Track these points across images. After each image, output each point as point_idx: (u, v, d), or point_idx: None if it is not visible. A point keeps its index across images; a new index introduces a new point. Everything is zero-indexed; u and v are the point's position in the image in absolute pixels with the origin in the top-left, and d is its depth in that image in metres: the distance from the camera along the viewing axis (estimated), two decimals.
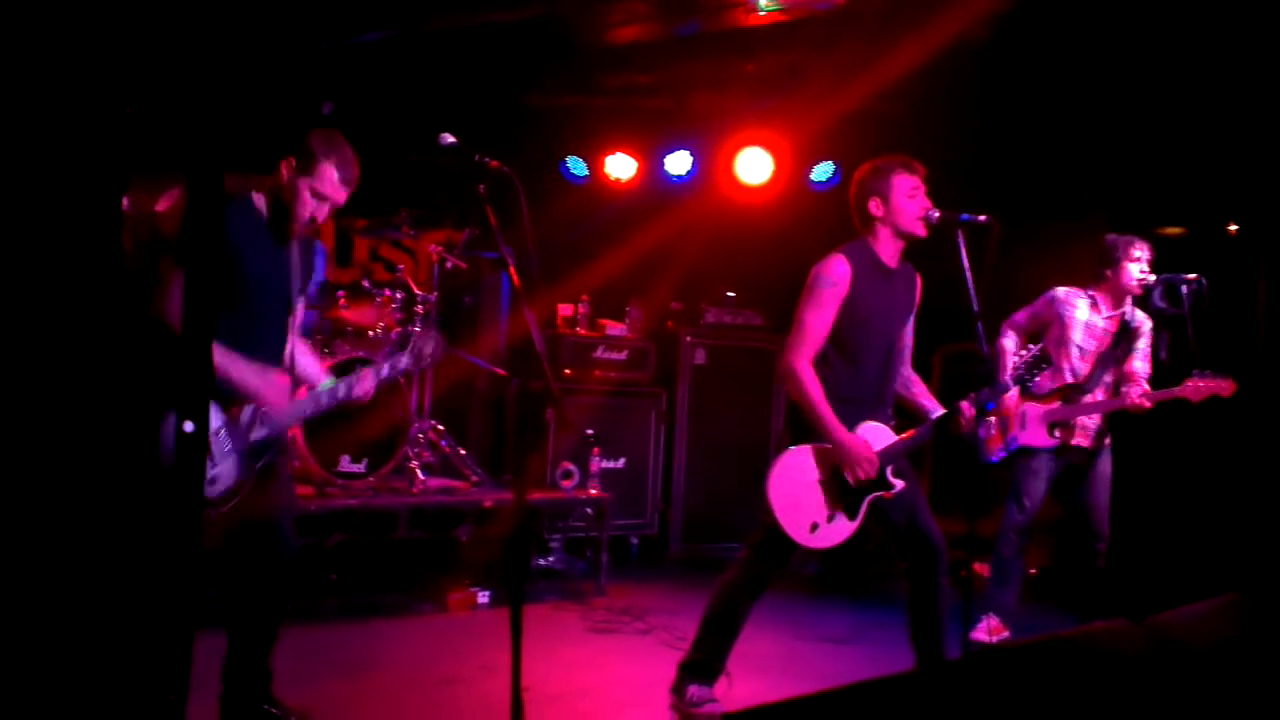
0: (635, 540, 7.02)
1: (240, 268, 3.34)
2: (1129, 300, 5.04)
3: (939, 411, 3.93)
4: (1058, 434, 5.02)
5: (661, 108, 7.38)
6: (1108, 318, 5.04)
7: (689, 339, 7.16)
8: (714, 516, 7.06)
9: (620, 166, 7.54)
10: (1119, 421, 5.09)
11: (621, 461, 6.76)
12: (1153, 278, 4.95)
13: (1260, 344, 5.87)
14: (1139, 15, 5.31)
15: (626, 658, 4.94)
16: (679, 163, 7.57)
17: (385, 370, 3.69)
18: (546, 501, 6.11)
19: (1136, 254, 4.95)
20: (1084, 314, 5.05)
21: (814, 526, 3.85)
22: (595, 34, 6.21)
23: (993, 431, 5.07)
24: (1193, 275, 4.84)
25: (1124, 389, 4.95)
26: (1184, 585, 4.66)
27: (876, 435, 3.88)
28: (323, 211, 3.40)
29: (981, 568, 5.56)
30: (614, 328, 7.11)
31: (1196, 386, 4.73)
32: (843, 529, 3.87)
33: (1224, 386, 4.73)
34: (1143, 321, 5.08)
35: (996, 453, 5.12)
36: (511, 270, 3.18)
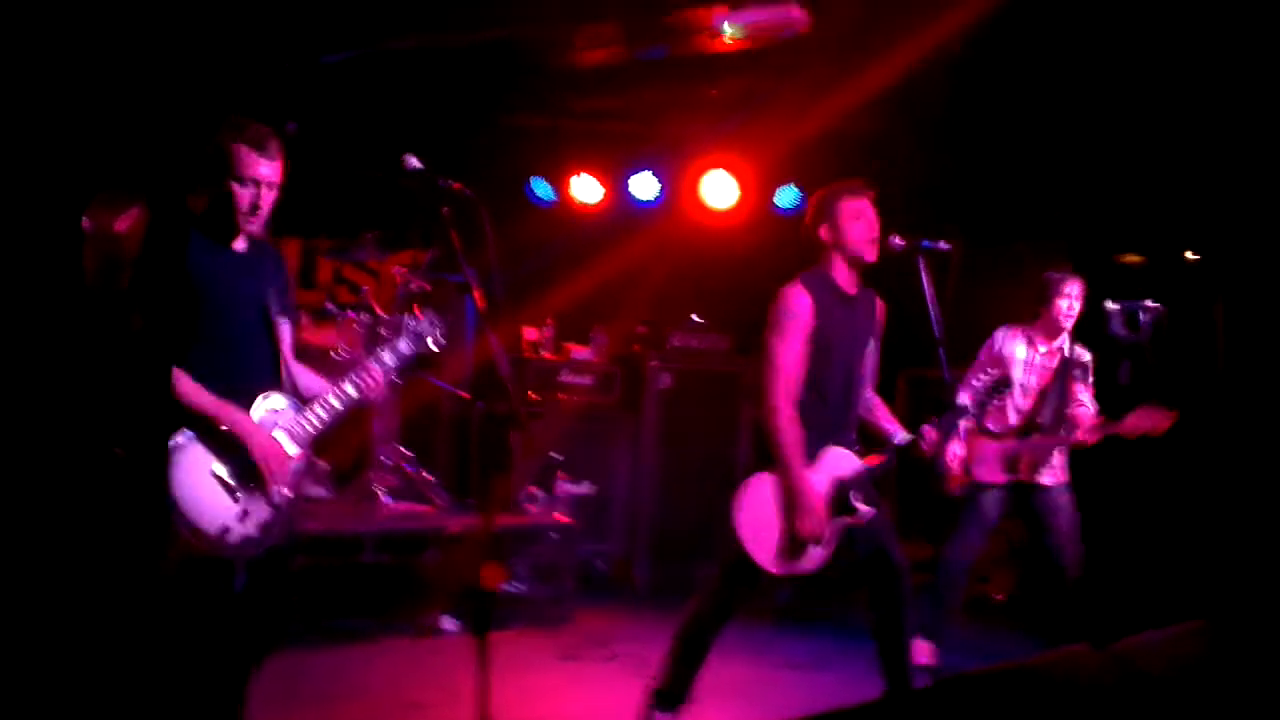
0: (603, 565, 6.99)
1: (203, 288, 3.24)
2: (1064, 335, 5.10)
3: (902, 434, 3.95)
4: (1016, 470, 5.05)
5: (627, 131, 7.40)
6: (1044, 354, 5.10)
7: (655, 363, 7.15)
8: (682, 540, 7.03)
9: (586, 189, 7.54)
10: (1082, 449, 5.13)
11: (587, 486, 6.72)
12: (1073, 317, 5.02)
13: (1220, 370, 5.94)
14: (1103, 43, 5.38)
15: (594, 685, 4.91)
16: (645, 186, 7.58)
17: (389, 359, 3.47)
18: (512, 526, 6.07)
19: (1068, 290, 5.02)
20: (1022, 352, 5.11)
21: (782, 553, 3.84)
22: (561, 57, 6.23)
23: (955, 467, 5.08)
24: (1152, 303, 4.90)
25: (1071, 428, 5.01)
26: (1147, 611, 4.69)
27: (841, 461, 3.89)
28: (264, 197, 3.25)
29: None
30: (579, 351, 7.09)
31: (1134, 425, 4.81)
32: (812, 557, 3.86)
33: (1158, 425, 4.80)
34: (1081, 354, 5.13)
35: (959, 487, 5.13)
36: (476, 293, 3.18)
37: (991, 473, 5.08)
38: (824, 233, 3.92)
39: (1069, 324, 5.04)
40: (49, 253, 5.45)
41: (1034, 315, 5.11)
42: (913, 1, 5.33)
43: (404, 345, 3.50)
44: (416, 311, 3.56)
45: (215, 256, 3.27)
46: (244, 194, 3.20)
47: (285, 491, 3.17)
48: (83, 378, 5.50)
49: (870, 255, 3.89)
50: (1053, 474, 5.07)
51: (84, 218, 5.54)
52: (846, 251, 3.90)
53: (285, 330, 3.40)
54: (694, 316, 7.49)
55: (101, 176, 5.62)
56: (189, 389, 3.12)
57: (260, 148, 3.21)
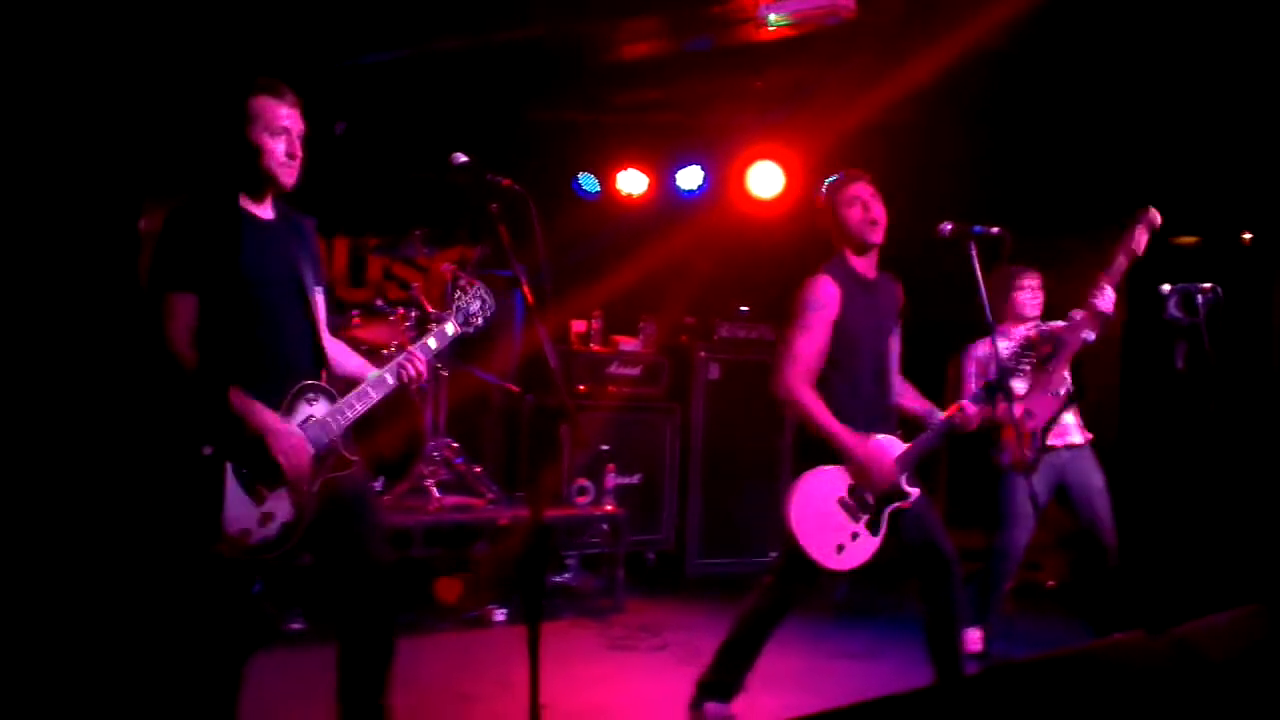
0: (651, 556, 7.01)
1: (238, 271, 3.13)
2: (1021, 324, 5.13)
3: (939, 414, 3.91)
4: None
5: (672, 123, 7.40)
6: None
7: (703, 354, 7.14)
8: (730, 531, 7.04)
9: (632, 182, 7.56)
10: (1145, 431, 5.07)
11: (637, 477, 6.74)
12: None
13: (1277, 352, 5.84)
14: (1153, 25, 5.30)
15: (644, 674, 4.92)
16: (690, 178, 7.58)
17: (434, 343, 3.39)
18: (561, 518, 6.10)
19: (1025, 282, 5.10)
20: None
21: (839, 548, 3.83)
22: (605, 51, 6.24)
23: (1012, 443, 4.97)
24: (1208, 284, 4.82)
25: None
26: (1203, 597, 4.63)
27: (887, 448, 3.87)
28: (295, 145, 3.18)
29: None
30: (627, 343, 7.11)
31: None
32: (867, 546, 3.85)
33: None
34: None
35: (1027, 464, 4.97)
36: (525, 288, 3.19)
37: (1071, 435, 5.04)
38: (827, 223, 3.96)
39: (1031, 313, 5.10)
40: (106, 255, 5.55)
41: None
42: None
43: (452, 327, 3.43)
44: (466, 284, 3.49)
45: (245, 229, 3.17)
46: (276, 143, 3.14)
47: (309, 490, 3.08)
48: (137, 378, 5.59)
49: (873, 237, 3.89)
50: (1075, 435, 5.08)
51: (140, 220, 5.62)
52: (849, 238, 3.91)
53: (319, 300, 3.33)
54: (741, 307, 7.48)
55: (154, 179, 5.73)
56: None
57: (280, 95, 3.18)
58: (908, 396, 4.07)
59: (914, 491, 3.86)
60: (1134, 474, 5.07)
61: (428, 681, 4.58)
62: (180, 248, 3.08)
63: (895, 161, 4.10)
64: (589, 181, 7.51)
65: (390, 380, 3.29)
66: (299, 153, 3.17)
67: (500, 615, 5.51)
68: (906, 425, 4.02)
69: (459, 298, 3.49)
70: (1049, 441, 5.00)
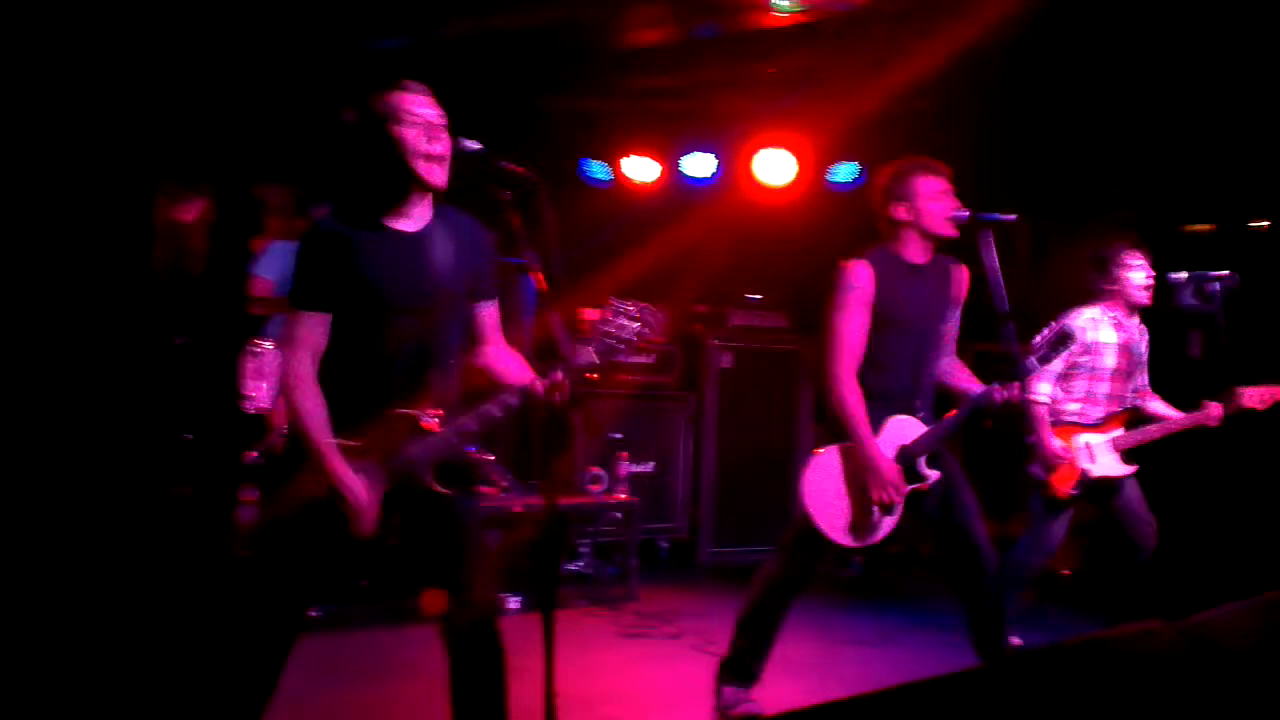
0: (665, 544, 7.01)
1: (371, 285, 2.87)
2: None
3: (979, 390, 3.87)
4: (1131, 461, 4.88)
5: (682, 110, 7.37)
6: (1130, 332, 4.96)
7: (715, 342, 7.14)
8: (744, 519, 7.04)
9: (641, 169, 7.54)
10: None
11: (649, 465, 6.74)
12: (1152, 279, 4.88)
13: None
14: (1168, 9, 5.26)
15: (658, 662, 4.92)
16: (700, 165, 7.56)
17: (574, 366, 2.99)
18: (574, 506, 6.10)
19: (1131, 260, 4.85)
20: (1111, 336, 4.89)
21: (851, 526, 3.83)
22: (614, 37, 6.22)
23: (1069, 463, 4.80)
24: (1224, 271, 4.77)
25: (1201, 410, 4.83)
26: (1221, 586, 4.60)
27: (904, 428, 3.86)
28: (435, 144, 2.89)
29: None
30: None
31: (1264, 397, 4.73)
32: (880, 526, 3.85)
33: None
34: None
35: (1073, 486, 4.81)
36: (537, 275, 3.17)
37: (1111, 467, 4.85)
38: (899, 211, 3.87)
39: (1145, 296, 4.87)
40: (121, 244, 5.57)
41: (1102, 293, 4.93)
42: None
43: (594, 350, 3.04)
44: (614, 305, 3.11)
45: (378, 247, 2.90)
46: (414, 133, 2.86)
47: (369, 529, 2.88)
48: (153, 365, 5.60)
49: (951, 231, 3.84)
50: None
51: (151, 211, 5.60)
52: (927, 230, 3.86)
53: (487, 314, 3.17)
54: (752, 295, 7.46)
55: (164, 168, 5.74)
56: (310, 423, 2.86)
57: (418, 93, 2.92)
58: (959, 376, 4.02)
59: (932, 474, 3.84)
60: (1150, 463, 5.02)
61: (439, 668, 4.58)
62: (310, 264, 2.90)
63: (907, 147, 4.05)
64: (598, 168, 7.50)
65: (514, 401, 2.99)
66: (445, 150, 2.91)
67: (514, 603, 5.52)
68: (949, 405, 3.96)
69: (606, 325, 3.09)
70: (1096, 474, 4.83)
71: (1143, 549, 4.87)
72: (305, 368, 2.87)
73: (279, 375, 2.96)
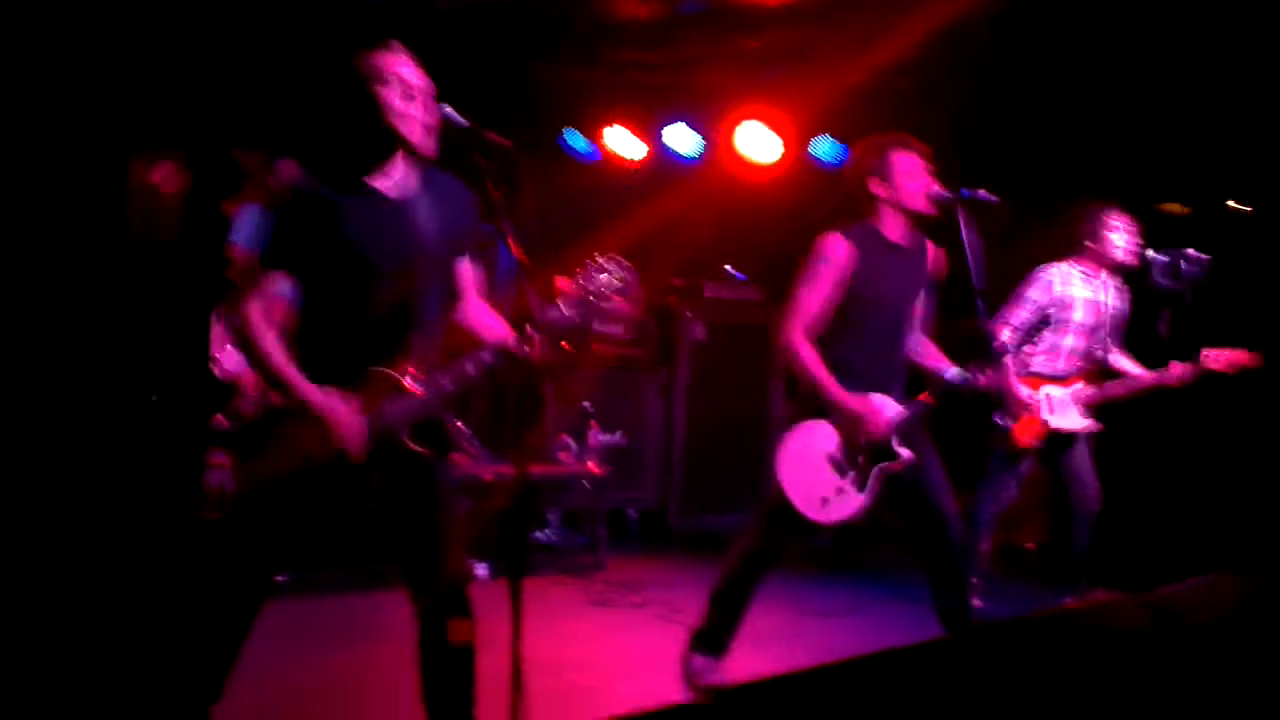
0: (634, 514, 7.03)
1: (356, 247, 2.84)
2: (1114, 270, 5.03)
3: (952, 371, 3.89)
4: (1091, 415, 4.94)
5: (665, 83, 7.33)
6: (1104, 289, 5.01)
7: (689, 314, 7.14)
8: (713, 490, 7.07)
9: (622, 142, 7.51)
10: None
11: (620, 435, 6.75)
12: (1152, 253, 4.93)
13: (1266, 319, 5.85)
14: None
15: (624, 631, 4.95)
16: (682, 138, 7.53)
17: (555, 317, 2.98)
18: (544, 476, 6.11)
19: (1115, 222, 4.94)
20: (1082, 290, 4.97)
21: (824, 501, 3.84)
22: (598, 8, 6.17)
23: (1036, 410, 4.90)
24: (1193, 251, 4.82)
25: (1163, 369, 4.89)
26: (1184, 561, 4.66)
27: (881, 406, 3.87)
28: (421, 109, 2.86)
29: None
30: None
31: (1228, 360, 4.77)
32: (853, 502, 3.86)
33: (1242, 360, 4.77)
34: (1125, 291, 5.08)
35: (1036, 437, 4.91)
36: (513, 244, 3.15)
37: (1072, 420, 4.94)
38: (874, 186, 3.86)
39: (1124, 256, 4.94)
40: (96, 209, 5.51)
41: (1081, 249, 4.98)
42: None
43: (569, 309, 3.01)
44: (591, 262, 3.05)
45: (361, 208, 2.87)
46: (394, 94, 2.82)
47: (359, 450, 2.85)
48: (130, 329, 5.55)
49: (929, 208, 3.83)
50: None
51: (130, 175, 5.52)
52: (903, 206, 3.85)
53: (466, 270, 3.14)
54: (728, 268, 7.46)
55: (137, 133, 5.67)
56: (275, 359, 2.82)
57: (398, 52, 2.88)
58: (929, 355, 4.03)
59: (905, 453, 3.85)
60: (1115, 439, 5.08)
61: (407, 635, 4.58)
62: (285, 227, 2.85)
63: (889, 123, 4.04)
64: (578, 140, 7.45)
65: (488, 359, 2.99)
66: (427, 113, 2.87)
67: (482, 571, 5.52)
68: (920, 385, 3.98)
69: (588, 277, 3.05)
70: (1055, 425, 4.92)
71: (1082, 513, 4.94)
72: (259, 312, 2.82)
73: (234, 325, 2.91)
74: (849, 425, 3.79)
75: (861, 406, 3.78)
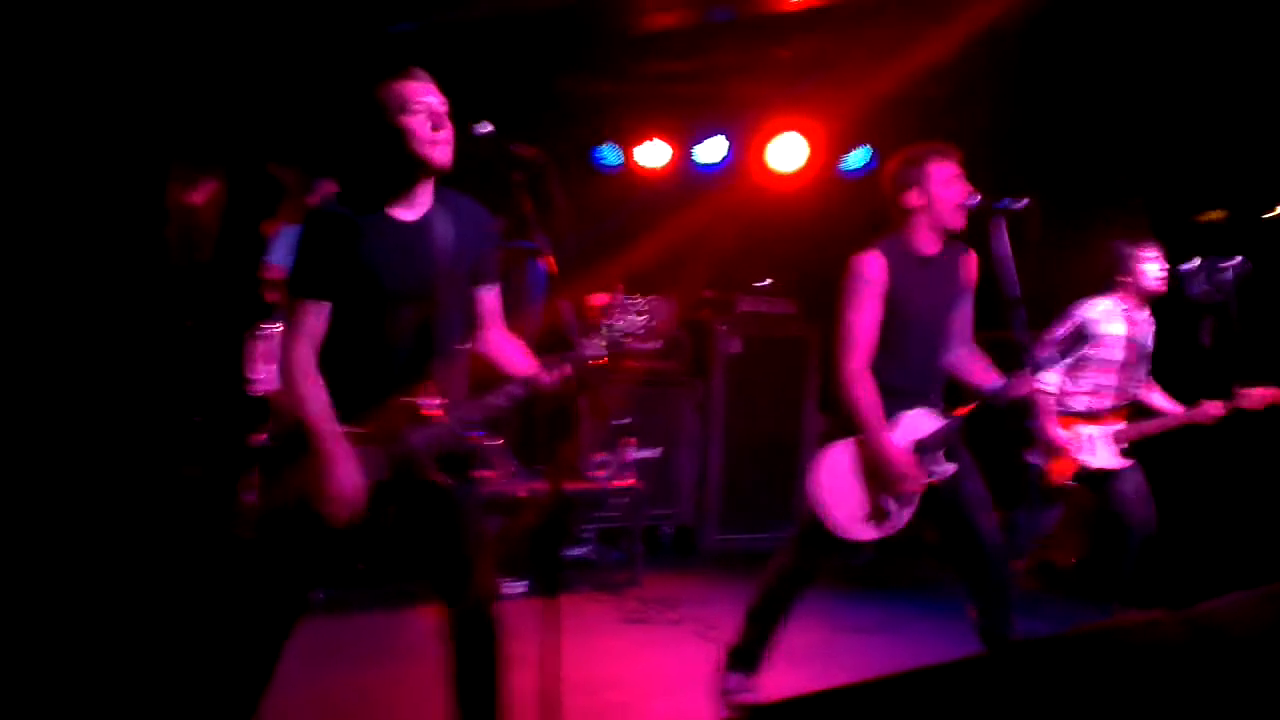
0: (669, 530, 7.01)
1: (370, 274, 2.86)
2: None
3: (995, 383, 3.84)
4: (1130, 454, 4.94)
5: (695, 94, 7.33)
6: (1140, 325, 5.00)
7: (723, 328, 7.12)
8: (749, 506, 7.04)
9: (653, 154, 7.50)
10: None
11: (655, 451, 6.73)
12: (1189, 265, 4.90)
13: None
14: None
15: (660, 648, 4.93)
16: (712, 150, 7.51)
17: (590, 351, 3.08)
18: (579, 492, 6.10)
19: (1148, 255, 4.92)
20: (1121, 328, 4.97)
21: (865, 518, 3.81)
22: (628, 21, 6.18)
23: (1069, 451, 4.93)
24: (1235, 258, 4.77)
25: (1199, 406, 4.91)
26: (1225, 576, 4.58)
27: (919, 422, 3.82)
28: (442, 134, 2.88)
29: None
30: None
31: (1261, 397, 4.80)
32: (894, 519, 3.82)
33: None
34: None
35: (1069, 476, 4.95)
36: (549, 259, 3.15)
37: (1108, 459, 4.94)
38: (911, 198, 3.81)
39: (1159, 286, 4.93)
40: (133, 227, 5.57)
41: (1116, 284, 4.98)
42: None
43: (602, 343, 3.12)
44: (621, 299, 3.16)
45: (380, 235, 2.88)
46: (418, 120, 2.84)
47: (348, 520, 2.85)
48: (163, 348, 5.60)
49: (960, 222, 3.79)
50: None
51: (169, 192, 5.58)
52: (938, 218, 3.80)
53: (488, 298, 3.13)
54: (761, 281, 7.44)
55: (176, 151, 5.73)
56: (312, 408, 2.83)
57: (421, 79, 2.92)
58: (974, 367, 3.97)
59: (949, 467, 3.79)
60: (1158, 452, 5.01)
61: (437, 653, 4.58)
62: (314, 250, 2.88)
63: (921, 133, 4.01)
64: (610, 153, 7.46)
65: (519, 392, 3.00)
66: (449, 133, 2.89)
67: (517, 588, 5.52)
68: (964, 398, 3.94)
69: (618, 314, 3.17)
70: (1091, 464, 4.93)
71: (1136, 534, 4.89)
72: (307, 356, 2.85)
73: (279, 364, 2.92)
74: (885, 476, 3.75)
75: (903, 467, 3.73)
